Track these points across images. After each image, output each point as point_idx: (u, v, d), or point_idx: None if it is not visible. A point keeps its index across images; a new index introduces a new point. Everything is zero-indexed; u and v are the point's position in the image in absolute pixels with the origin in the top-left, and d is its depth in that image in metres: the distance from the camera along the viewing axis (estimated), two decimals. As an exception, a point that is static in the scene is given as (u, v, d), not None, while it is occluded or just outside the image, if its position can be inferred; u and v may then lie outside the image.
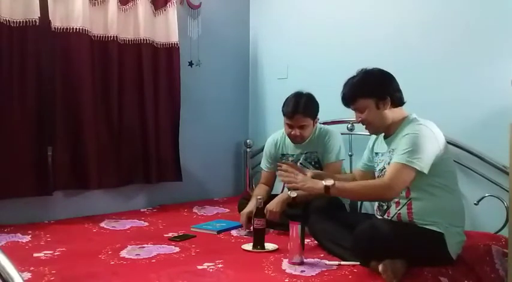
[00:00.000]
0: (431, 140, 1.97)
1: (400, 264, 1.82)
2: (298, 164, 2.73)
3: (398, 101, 2.11)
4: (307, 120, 2.63)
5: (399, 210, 2.03)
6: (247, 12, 4.02)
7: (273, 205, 2.50)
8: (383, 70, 2.15)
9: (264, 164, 2.92)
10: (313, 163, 2.74)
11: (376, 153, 2.23)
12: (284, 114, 2.66)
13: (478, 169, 2.67)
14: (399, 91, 2.13)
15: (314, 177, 2.13)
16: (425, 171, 1.93)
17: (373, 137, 2.30)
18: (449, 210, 2.00)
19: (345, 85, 2.15)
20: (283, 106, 2.68)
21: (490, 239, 2.36)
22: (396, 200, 2.04)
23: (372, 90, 2.08)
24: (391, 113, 2.09)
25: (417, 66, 2.95)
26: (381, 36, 3.12)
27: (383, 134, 2.18)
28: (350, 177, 2.37)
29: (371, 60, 3.12)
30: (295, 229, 1.98)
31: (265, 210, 2.40)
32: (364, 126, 2.17)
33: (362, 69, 2.15)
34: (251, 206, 2.53)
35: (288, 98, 2.68)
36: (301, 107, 2.60)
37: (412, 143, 1.94)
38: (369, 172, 2.28)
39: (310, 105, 2.64)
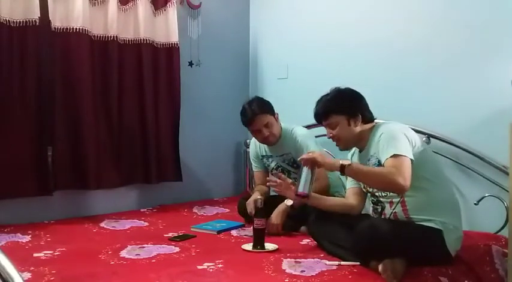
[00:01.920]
0: (403, 131, 2.02)
1: (399, 264, 1.82)
2: (279, 164, 2.80)
3: (368, 118, 2.18)
4: (267, 117, 2.70)
5: (394, 209, 2.04)
6: (247, 12, 4.02)
7: (273, 218, 2.51)
8: (354, 90, 2.22)
9: (254, 166, 2.99)
10: (290, 164, 2.76)
11: None
12: (246, 124, 2.75)
13: (478, 169, 2.67)
14: (369, 110, 2.19)
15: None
16: (412, 157, 1.94)
17: (349, 156, 2.31)
18: (442, 201, 2.01)
19: (318, 102, 2.23)
20: (241, 119, 2.75)
21: (490, 239, 2.36)
22: (389, 200, 2.05)
23: (344, 107, 2.14)
24: (361, 128, 2.15)
25: (417, 66, 2.96)
26: (381, 37, 3.12)
27: (357, 151, 2.22)
28: (340, 202, 2.31)
29: (371, 60, 3.17)
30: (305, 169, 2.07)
31: (268, 220, 2.43)
32: (335, 142, 2.20)
33: (335, 88, 2.22)
34: (256, 196, 2.56)
35: (240, 111, 2.75)
36: (255, 108, 2.69)
37: (389, 139, 1.98)
38: (359, 186, 2.26)
39: (262, 104, 2.74)
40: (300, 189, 2.08)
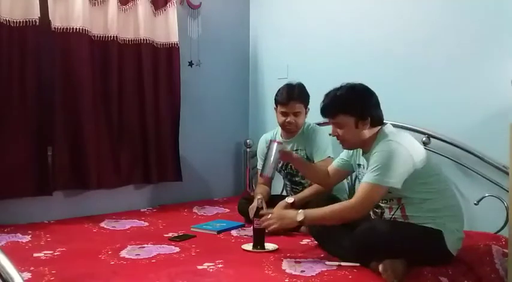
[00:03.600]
0: (403, 158, 1.93)
1: (400, 264, 1.82)
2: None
3: (377, 120, 2.07)
4: (301, 107, 2.70)
5: (393, 215, 2.04)
6: (247, 12, 4.02)
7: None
8: (367, 87, 2.11)
9: (259, 164, 2.94)
10: None
11: (359, 165, 2.21)
12: (279, 102, 2.72)
13: (478, 169, 2.67)
14: (380, 109, 2.10)
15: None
16: (399, 186, 1.91)
17: (347, 153, 2.30)
18: (442, 208, 2.00)
19: (327, 95, 2.11)
20: (276, 96, 2.74)
21: (490, 239, 2.36)
22: (389, 205, 2.04)
23: (354, 109, 2.03)
24: (368, 132, 2.06)
25: (417, 66, 2.96)
26: (382, 37, 3.12)
27: (360, 151, 2.18)
28: (324, 172, 2.38)
29: (371, 60, 3.16)
30: (274, 147, 2.23)
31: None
32: (339, 142, 2.14)
33: (347, 84, 2.09)
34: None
35: (280, 88, 2.75)
36: (295, 93, 2.68)
37: (382, 160, 1.92)
38: (343, 169, 2.31)
39: (303, 92, 2.73)
40: (268, 174, 2.26)
